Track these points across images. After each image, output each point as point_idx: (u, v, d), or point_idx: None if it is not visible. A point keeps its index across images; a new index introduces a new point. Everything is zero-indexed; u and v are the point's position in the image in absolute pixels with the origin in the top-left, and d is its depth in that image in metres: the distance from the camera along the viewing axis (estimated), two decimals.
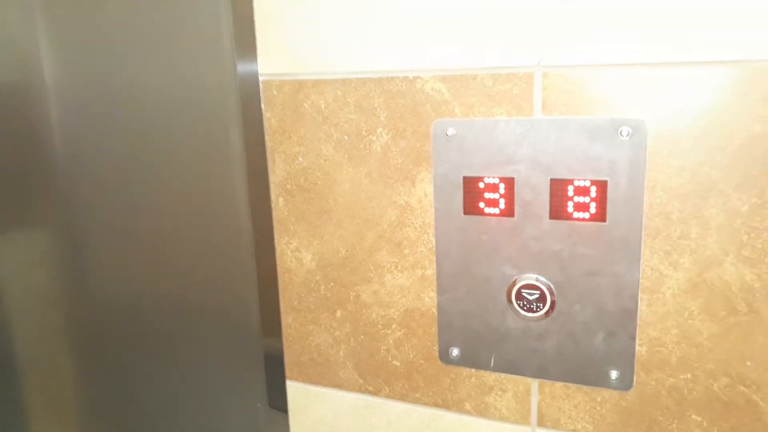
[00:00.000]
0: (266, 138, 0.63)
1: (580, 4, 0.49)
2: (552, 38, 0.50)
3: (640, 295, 0.52)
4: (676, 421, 0.54)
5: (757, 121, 0.46)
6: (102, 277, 0.89)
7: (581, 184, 0.52)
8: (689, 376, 0.52)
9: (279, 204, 0.64)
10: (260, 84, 0.62)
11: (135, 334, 0.88)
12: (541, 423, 0.58)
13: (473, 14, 0.52)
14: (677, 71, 0.47)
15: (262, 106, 0.62)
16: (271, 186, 0.64)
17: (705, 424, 0.53)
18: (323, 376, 0.67)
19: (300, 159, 0.61)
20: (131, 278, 0.86)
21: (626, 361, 0.54)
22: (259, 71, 0.61)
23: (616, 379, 0.55)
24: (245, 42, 0.62)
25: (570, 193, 0.53)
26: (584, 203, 0.53)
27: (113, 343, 0.91)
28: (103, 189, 0.83)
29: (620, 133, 0.50)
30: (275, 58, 0.60)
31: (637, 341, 0.53)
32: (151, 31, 0.74)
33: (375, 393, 0.65)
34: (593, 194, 0.52)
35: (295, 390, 0.69)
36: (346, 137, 0.59)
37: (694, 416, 0.53)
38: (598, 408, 0.56)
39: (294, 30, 0.59)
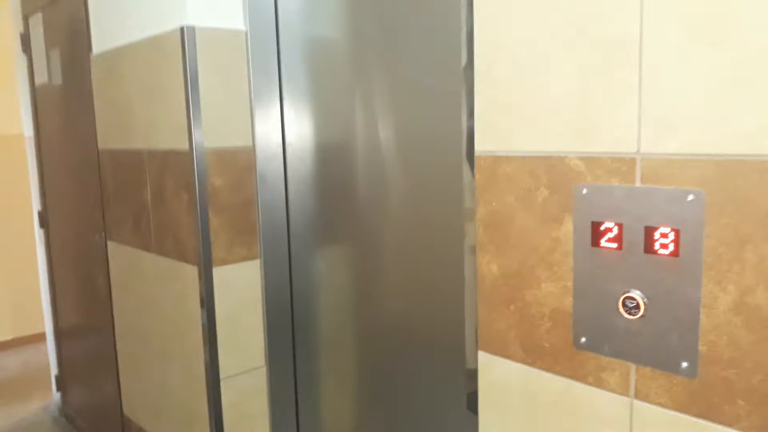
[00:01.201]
0: (476, 190, 1.00)
1: (665, 119, 0.77)
2: (646, 137, 0.79)
3: (701, 309, 0.76)
4: (727, 404, 0.75)
5: None
6: (370, 280, 1.35)
7: (664, 230, 0.79)
8: (735, 371, 0.74)
9: (480, 232, 1.01)
10: (476, 157, 1.00)
11: (385, 329, 1.33)
12: (636, 396, 0.84)
13: (599, 123, 0.83)
14: (726, 159, 0.73)
15: (475, 170, 1.00)
16: (477, 220, 1.01)
17: (747, 407, 0.74)
18: (499, 349, 1.00)
19: (493, 204, 0.98)
20: (389, 279, 1.31)
21: (692, 355, 0.78)
22: (476, 149, 1.00)
23: (686, 368, 0.78)
24: (470, 131, 1.01)
25: (657, 236, 0.80)
26: (665, 243, 0.79)
27: (370, 337, 1.37)
28: (375, 215, 1.29)
29: (687, 199, 0.76)
30: (484, 142, 0.98)
31: (700, 342, 0.77)
32: (418, 120, 1.19)
33: (531, 364, 0.96)
34: (671, 238, 0.78)
35: (483, 357, 1.04)
36: (521, 191, 0.94)
37: (740, 401, 0.74)
38: (674, 389, 0.80)
39: (495, 125, 0.96)
